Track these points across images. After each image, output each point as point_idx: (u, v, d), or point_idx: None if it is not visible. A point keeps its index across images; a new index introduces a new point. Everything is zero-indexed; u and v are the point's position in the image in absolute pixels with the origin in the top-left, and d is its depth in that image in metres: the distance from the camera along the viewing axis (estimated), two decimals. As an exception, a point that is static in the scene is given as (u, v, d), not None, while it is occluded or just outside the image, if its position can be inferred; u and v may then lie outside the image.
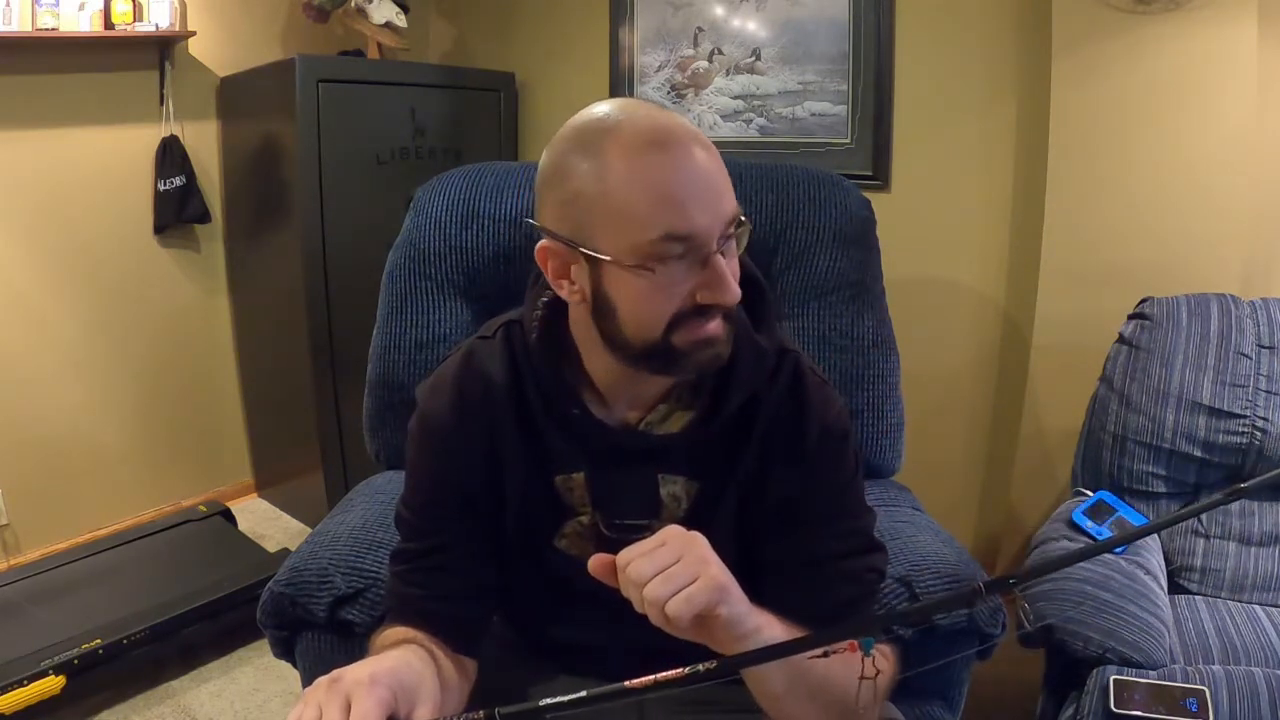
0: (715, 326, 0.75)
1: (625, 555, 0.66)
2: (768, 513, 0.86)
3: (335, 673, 0.62)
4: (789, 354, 0.87)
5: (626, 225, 0.71)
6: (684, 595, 0.63)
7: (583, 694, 0.55)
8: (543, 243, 0.78)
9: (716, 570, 0.66)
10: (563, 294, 0.79)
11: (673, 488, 0.86)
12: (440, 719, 0.60)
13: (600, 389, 0.84)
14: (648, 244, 0.71)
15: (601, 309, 0.76)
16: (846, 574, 0.83)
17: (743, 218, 0.75)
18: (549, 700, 0.55)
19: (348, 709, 0.60)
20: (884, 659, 0.83)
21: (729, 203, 0.73)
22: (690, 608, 0.63)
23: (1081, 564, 1.36)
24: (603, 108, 0.75)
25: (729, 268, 0.74)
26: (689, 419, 0.84)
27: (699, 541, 0.68)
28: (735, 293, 0.74)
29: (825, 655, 0.59)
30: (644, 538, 0.87)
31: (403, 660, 0.70)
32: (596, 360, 0.82)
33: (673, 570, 0.64)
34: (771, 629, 0.71)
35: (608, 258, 0.72)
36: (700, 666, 0.56)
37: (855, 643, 0.59)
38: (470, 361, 0.88)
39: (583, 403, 0.84)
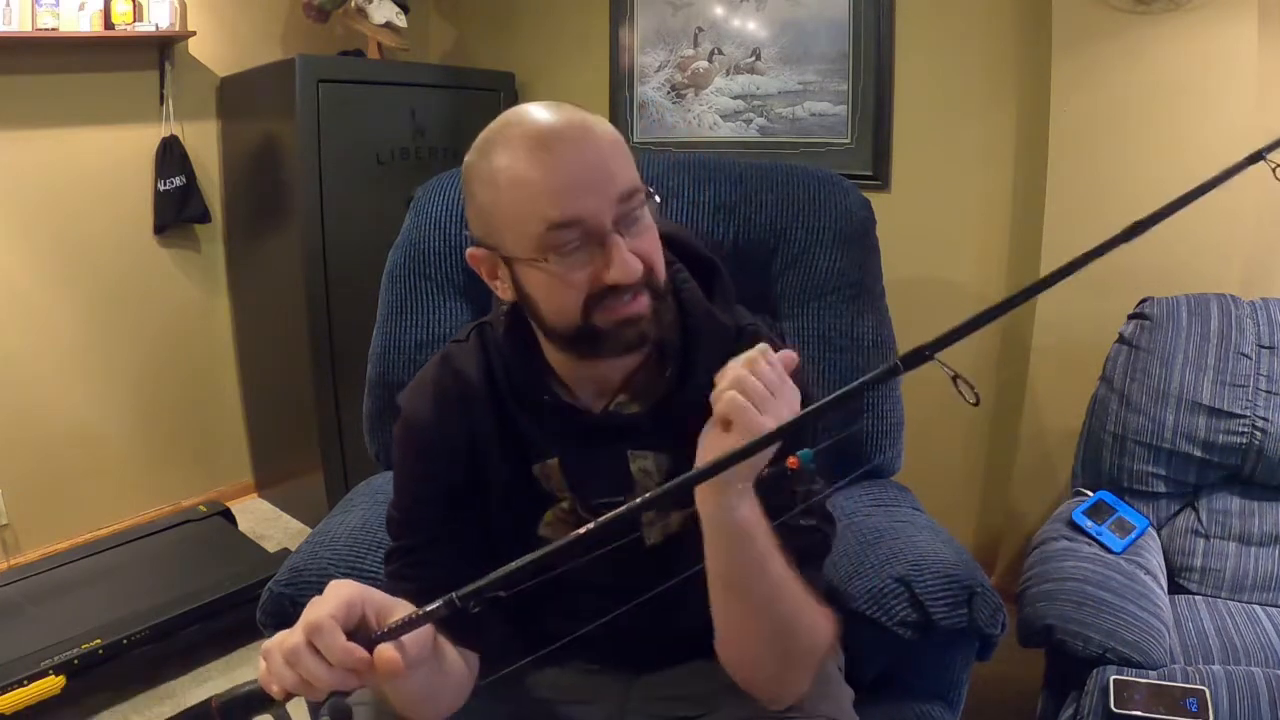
0: (636, 305, 0.78)
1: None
2: None
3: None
4: (748, 328, 0.91)
5: (517, 223, 0.76)
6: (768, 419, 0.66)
7: (538, 553, 0.58)
8: (470, 249, 0.84)
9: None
10: (499, 293, 0.85)
11: (643, 463, 0.89)
12: (404, 617, 0.61)
13: (564, 377, 0.88)
14: (539, 237, 0.75)
15: (526, 303, 0.82)
16: (797, 527, 0.84)
17: (645, 190, 0.77)
18: (500, 571, 0.58)
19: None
20: (826, 620, 0.84)
21: (621, 180, 0.76)
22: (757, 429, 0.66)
23: (1081, 564, 1.36)
24: (505, 114, 0.80)
25: (640, 242, 0.77)
26: (655, 397, 0.88)
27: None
28: (632, 269, 0.75)
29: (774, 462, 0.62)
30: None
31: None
32: (553, 353, 0.87)
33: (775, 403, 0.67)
34: (772, 555, 0.73)
35: (514, 255, 0.78)
36: (648, 495, 0.58)
37: (795, 459, 0.61)
38: (446, 363, 0.92)
39: (552, 390, 0.88)
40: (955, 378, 0.55)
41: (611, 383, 0.88)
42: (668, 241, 0.88)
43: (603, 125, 0.78)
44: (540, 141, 0.75)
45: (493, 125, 0.80)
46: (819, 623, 0.81)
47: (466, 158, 0.81)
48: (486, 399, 0.89)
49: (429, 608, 0.59)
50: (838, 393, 0.57)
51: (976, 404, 0.52)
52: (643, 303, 0.78)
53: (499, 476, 0.90)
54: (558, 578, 0.91)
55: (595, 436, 0.88)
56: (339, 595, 0.63)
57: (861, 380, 0.55)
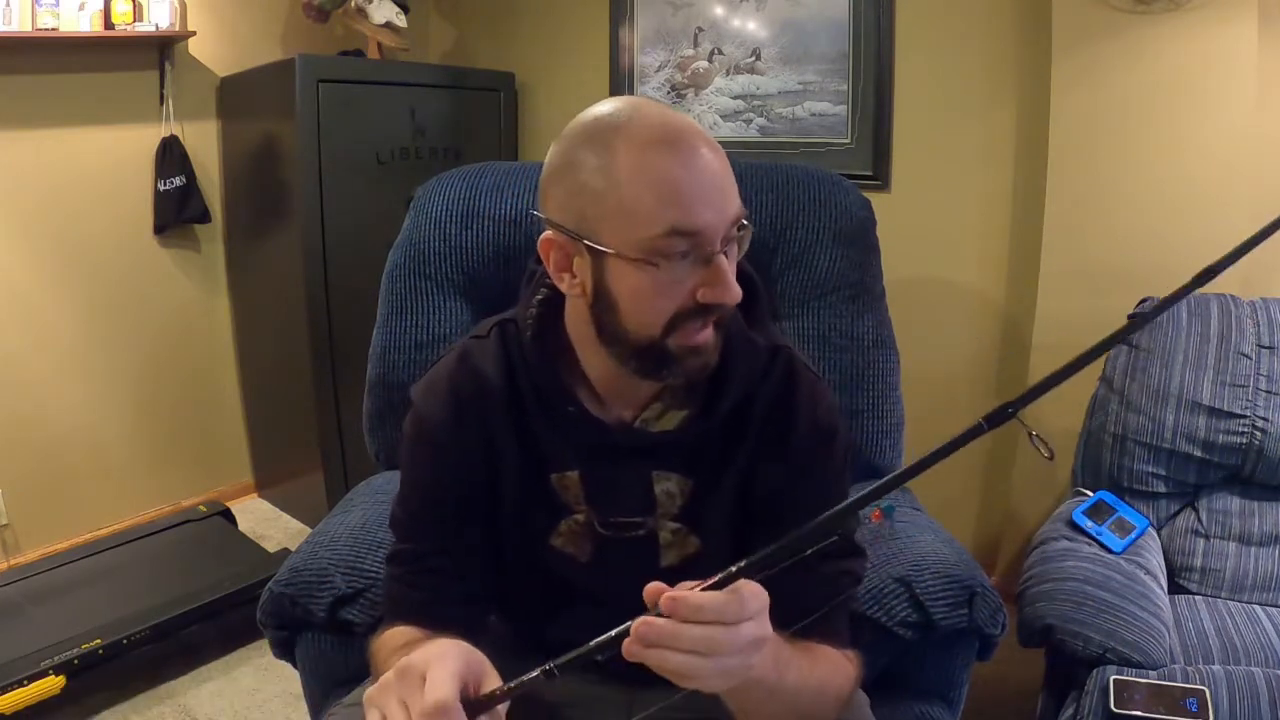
0: (709, 335, 0.76)
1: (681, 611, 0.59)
2: (756, 509, 0.86)
3: (400, 664, 0.61)
4: (782, 350, 0.88)
5: (632, 220, 0.72)
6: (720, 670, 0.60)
7: (625, 625, 0.57)
8: (547, 234, 0.78)
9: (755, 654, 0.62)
10: (563, 287, 0.79)
11: (666, 485, 0.87)
12: (504, 686, 0.60)
13: (596, 387, 0.84)
14: (652, 239, 0.71)
15: (602, 303, 0.76)
16: (823, 576, 0.83)
17: (745, 220, 0.76)
18: (598, 640, 0.57)
19: (423, 685, 0.59)
20: (848, 662, 0.83)
21: (734, 203, 0.74)
22: (726, 681, 0.62)
23: (1081, 564, 1.36)
24: (612, 104, 0.76)
25: (734, 267, 0.75)
26: (684, 417, 0.85)
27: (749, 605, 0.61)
28: (736, 293, 0.74)
29: (835, 538, 0.60)
30: (638, 535, 0.88)
31: (457, 642, 0.66)
32: (593, 358, 0.83)
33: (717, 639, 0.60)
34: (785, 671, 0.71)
35: (612, 251, 0.73)
36: (730, 570, 0.58)
37: (879, 511, 0.60)
38: (465, 361, 0.88)
39: (578, 401, 0.84)
40: (1032, 435, 0.55)
41: (641, 397, 0.85)
42: None
43: (713, 139, 0.76)
44: (672, 140, 0.72)
45: (601, 114, 0.75)
46: (840, 684, 0.81)
47: (564, 144, 0.76)
48: (506, 402, 0.86)
49: (524, 678, 0.58)
50: (910, 467, 0.55)
51: (1051, 458, 0.53)
52: (713, 334, 0.77)
53: (513, 483, 0.87)
54: (573, 590, 0.91)
55: (619, 453, 0.85)
56: (454, 672, 0.59)
57: (945, 446, 0.54)
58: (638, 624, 0.58)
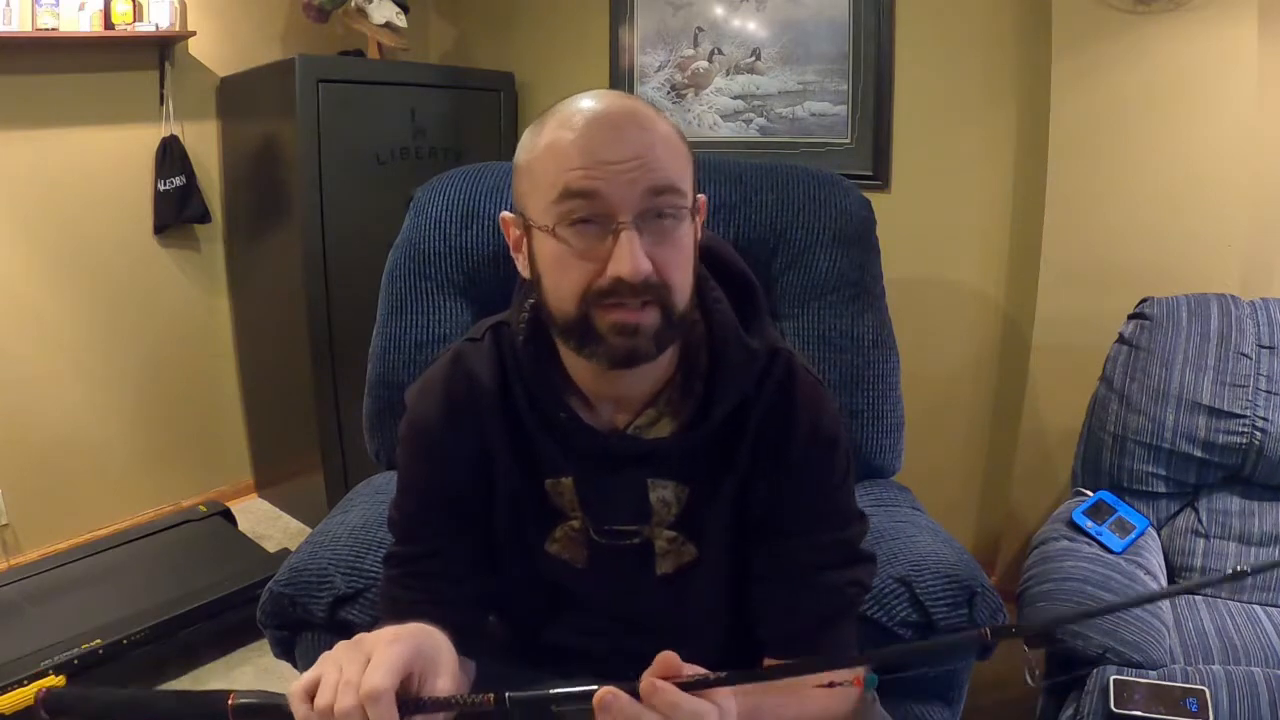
0: (637, 315, 0.72)
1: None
2: (755, 517, 0.85)
3: (357, 636, 0.62)
4: (780, 353, 0.86)
5: (540, 185, 0.73)
6: None
7: (591, 688, 0.56)
8: (504, 212, 0.81)
9: None
10: (519, 267, 0.81)
11: (662, 493, 0.85)
12: (450, 696, 0.59)
13: (584, 390, 0.83)
14: (552, 204, 0.72)
15: (535, 279, 0.78)
16: (827, 586, 0.83)
17: (681, 201, 0.73)
18: (560, 690, 0.56)
19: (367, 665, 0.59)
20: (845, 695, 0.83)
21: (657, 173, 0.71)
22: None
23: (1081, 564, 1.36)
24: (577, 95, 0.77)
25: (662, 251, 0.72)
26: (678, 423, 0.83)
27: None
28: (636, 267, 0.70)
29: (830, 685, 0.58)
30: (633, 544, 0.87)
31: (424, 630, 0.66)
32: (575, 361, 0.81)
33: None
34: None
35: (533, 221, 0.75)
36: (711, 676, 0.56)
37: (860, 678, 0.59)
38: (458, 364, 0.87)
39: (570, 407, 0.83)
40: (1031, 670, 0.56)
41: (633, 402, 0.83)
42: (703, 252, 0.82)
43: (662, 122, 0.75)
44: (589, 115, 0.73)
45: (556, 103, 0.77)
46: (838, 708, 0.80)
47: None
48: (499, 406, 0.85)
49: (476, 697, 0.58)
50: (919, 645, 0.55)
51: (1033, 682, 0.54)
52: (649, 316, 0.72)
53: (508, 487, 0.87)
54: (569, 596, 0.91)
55: (613, 460, 0.84)
56: (399, 658, 0.59)
57: (945, 641, 0.55)
58: (603, 691, 0.56)
